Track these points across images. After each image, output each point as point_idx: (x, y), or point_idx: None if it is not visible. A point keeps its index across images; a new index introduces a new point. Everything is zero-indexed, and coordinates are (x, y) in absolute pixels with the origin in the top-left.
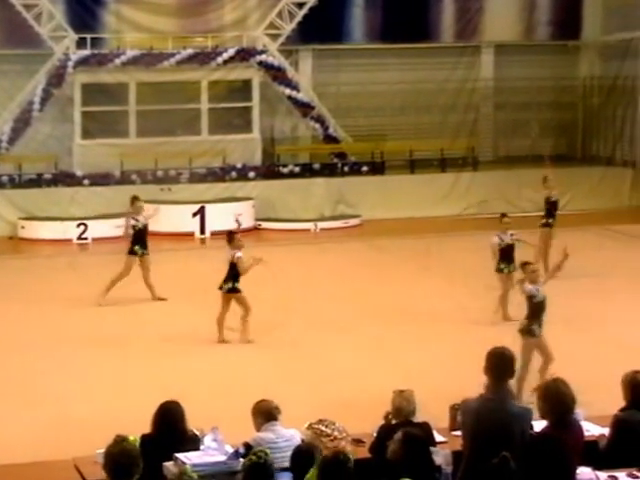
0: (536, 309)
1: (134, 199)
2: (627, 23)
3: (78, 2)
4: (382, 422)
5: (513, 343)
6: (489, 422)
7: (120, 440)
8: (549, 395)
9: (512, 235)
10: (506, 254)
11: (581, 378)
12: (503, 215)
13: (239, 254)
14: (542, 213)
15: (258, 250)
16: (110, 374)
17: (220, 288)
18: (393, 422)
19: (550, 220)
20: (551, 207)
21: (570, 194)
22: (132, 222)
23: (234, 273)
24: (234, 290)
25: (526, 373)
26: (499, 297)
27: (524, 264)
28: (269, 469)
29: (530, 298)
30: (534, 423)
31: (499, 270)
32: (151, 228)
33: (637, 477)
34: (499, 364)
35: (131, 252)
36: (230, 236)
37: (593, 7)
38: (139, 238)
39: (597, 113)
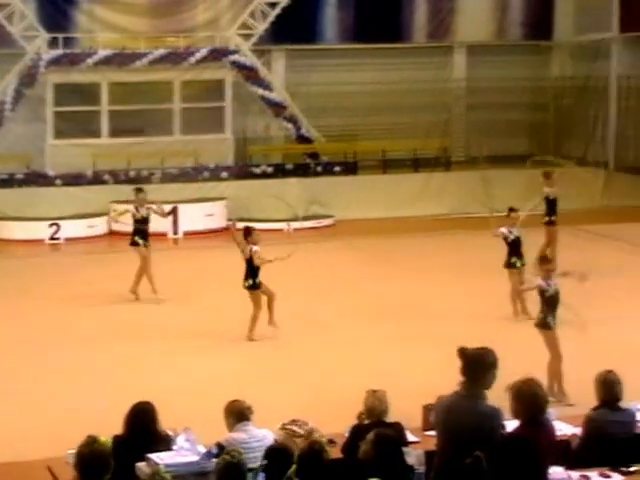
0: (549, 302)
1: (138, 190)
2: (598, 24)
3: (50, 2)
4: (355, 422)
5: (492, 342)
6: (458, 419)
7: (91, 440)
8: (522, 395)
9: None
10: (516, 248)
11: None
12: (511, 210)
13: (255, 248)
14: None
15: (231, 250)
16: (83, 374)
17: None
18: (366, 422)
19: (553, 218)
20: (551, 204)
21: (541, 195)
22: (133, 211)
23: (251, 269)
24: (254, 287)
25: (559, 365)
26: (511, 293)
27: (542, 259)
28: (242, 469)
29: (542, 292)
30: (506, 423)
31: (510, 265)
32: (123, 228)
33: (609, 476)
34: (474, 366)
35: (133, 243)
36: (247, 231)
37: (565, 8)
38: (138, 229)
39: (569, 113)
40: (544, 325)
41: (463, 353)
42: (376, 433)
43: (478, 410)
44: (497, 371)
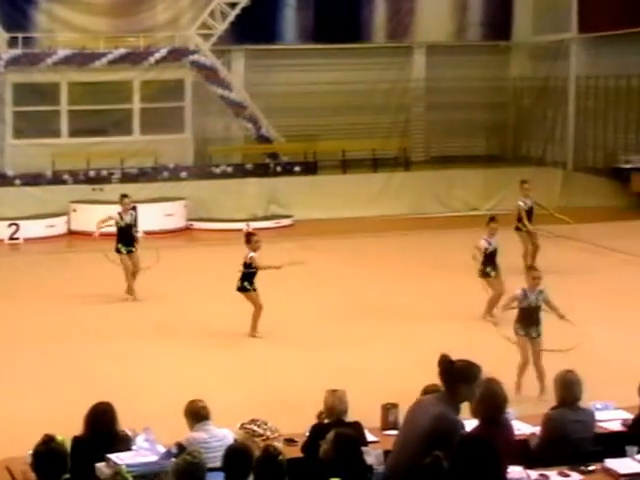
0: (522, 313)
1: (123, 196)
2: (557, 24)
3: (9, 1)
4: (315, 422)
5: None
6: (415, 419)
7: (47, 440)
8: (482, 395)
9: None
10: (491, 258)
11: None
12: (491, 219)
13: (252, 254)
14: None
15: (191, 250)
16: (41, 373)
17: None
18: (325, 422)
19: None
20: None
21: (501, 194)
22: (117, 218)
23: (245, 273)
24: (242, 289)
25: (524, 369)
26: (489, 300)
27: (530, 268)
28: (202, 469)
29: (519, 302)
30: (465, 422)
31: (485, 274)
32: (82, 228)
33: (568, 476)
34: (445, 375)
35: (117, 250)
36: (248, 237)
37: (524, 8)
38: (122, 236)
39: (528, 114)
40: (515, 331)
41: (441, 360)
42: (336, 433)
43: (437, 414)
44: (475, 387)
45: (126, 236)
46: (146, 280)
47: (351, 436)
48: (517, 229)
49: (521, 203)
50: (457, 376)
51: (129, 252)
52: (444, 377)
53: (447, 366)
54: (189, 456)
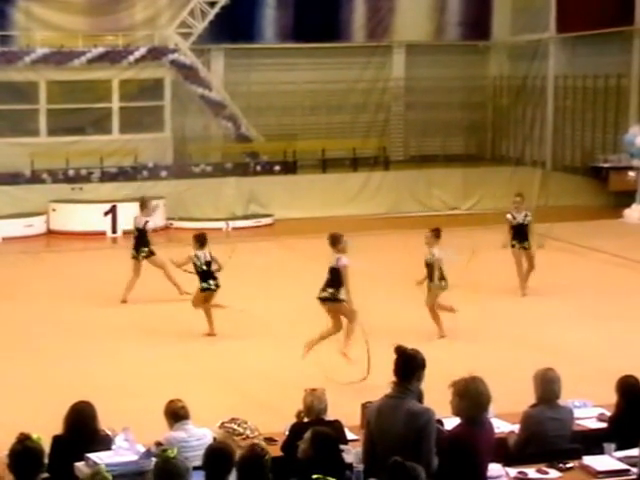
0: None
1: (145, 201)
2: (535, 24)
3: None
4: (294, 421)
5: (420, 341)
6: (388, 419)
7: (23, 438)
8: (468, 393)
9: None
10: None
11: (494, 374)
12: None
13: (191, 254)
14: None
15: (170, 249)
16: (18, 374)
17: None
18: (305, 420)
19: (515, 242)
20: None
21: (479, 194)
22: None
23: (200, 273)
24: (205, 289)
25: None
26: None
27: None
28: (179, 467)
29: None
30: (446, 420)
31: (512, 245)
32: (61, 227)
33: (546, 473)
34: (405, 365)
35: (133, 257)
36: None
37: (502, 8)
38: (138, 240)
39: (506, 113)
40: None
41: (400, 350)
42: (314, 431)
43: (407, 409)
44: (424, 373)
45: (140, 240)
46: (126, 281)
47: (329, 434)
48: (512, 246)
49: (509, 216)
50: (417, 363)
51: (148, 256)
52: (404, 367)
53: (406, 356)
54: (161, 456)
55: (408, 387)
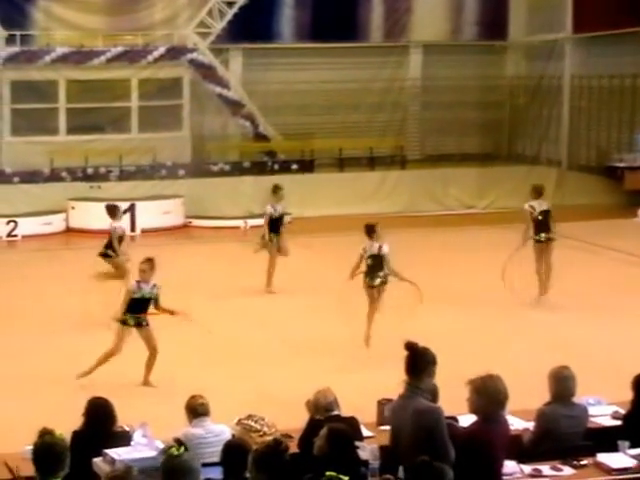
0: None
1: (276, 188)
2: (552, 24)
3: None
4: (305, 411)
5: (430, 336)
6: (399, 419)
7: (46, 434)
8: (486, 391)
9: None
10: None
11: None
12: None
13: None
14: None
15: (189, 247)
16: (40, 370)
17: None
18: (317, 417)
19: (541, 235)
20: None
21: (495, 193)
22: (270, 210)
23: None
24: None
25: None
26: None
27: None
28: (187, 465)
29: None
30: (462, 417)
31: (537, 240)
32: (80, 225)
33: (560, 470)
34: (415, 362)
35: (263, 237)
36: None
37: (518, 8)
38: (272, 225)
39: (523, 112)
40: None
41: (410, 346)
42: (329, 428)
43: (414, 409)
44: (435, 369)
45: (275, 225)
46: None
47: (344, 431)
48: (538, 241)
49: (527, 207)
50: (427, 359)
51: (272, 240)
52: (414, 363)
53: (416, 352)
54: (168, 455)
55: (418, 385)
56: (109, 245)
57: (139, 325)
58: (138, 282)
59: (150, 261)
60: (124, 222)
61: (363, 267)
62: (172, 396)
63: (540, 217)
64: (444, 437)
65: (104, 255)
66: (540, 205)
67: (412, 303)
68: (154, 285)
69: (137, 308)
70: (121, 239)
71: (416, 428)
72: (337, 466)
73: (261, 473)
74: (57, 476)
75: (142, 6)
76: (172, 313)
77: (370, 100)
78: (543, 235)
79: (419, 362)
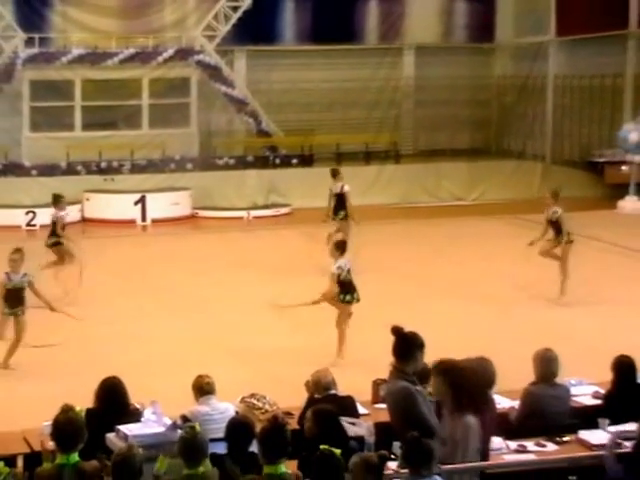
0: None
1: (335, 171)
2: (537, 27)
3: (27, 3)
4: (304, 391)
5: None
6: (387, 402)
7: (67, 409)
8: (475, 372)
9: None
10: (554, 227)
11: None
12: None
13: None
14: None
15: (196, 236)
16: (55, 352)
17: None
18: (316, 396)
19: (559, 238)
20: (555, 227)
21: (484, 185)
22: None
23: None
24: None
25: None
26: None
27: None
28: (199, 442)
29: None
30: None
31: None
32: (95, 215)
33: (544, 446)
34: (401, 346)
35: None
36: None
37: (506, 12)
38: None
39: (510, 110)
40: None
41: (397, 331)
42: (313, 410)
43: (389, 391)
44: (423, 352)
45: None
46: (155, 266)
47: (328, 410)
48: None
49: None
50: (413, 343)
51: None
52: (400, 347)
53: (403, 337)
54: (186, 431)
55: (403, 369)
56: (53, 233)
57: (15, 314)
58: (7, 273)
59: (19, 251)
60: (69, 211)
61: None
62: (180, 376)
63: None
64: (419, 413)
65: (56, 244)
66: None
67: None
68: (25, 274)
69: (12, 298)
70: (64, 227)
71: (393, 408)
72: (327, 443)
73: (264, 446)
74: (75, 450)
75: (153, 10)
76: (52, 309)
77: (366, 98)
78: (562, 237)
79: (405, 346)
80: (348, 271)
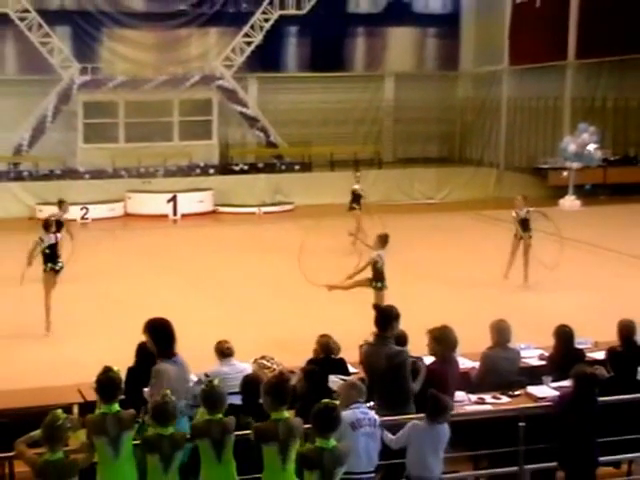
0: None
1: (356, 170)
2: (493, 58)
3: (81, 40)
4: (311, 357)
5: (403, 300)
6: (375, 361)
7: (107, 370)
8: (440, 337)
9: (528, 211)
10: (523, 224)
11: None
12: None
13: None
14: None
15: (217, 228)
16: (102, 324)
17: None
18: (320, 356)
19: (522, 233)
20: (523, 224)
21: (449, 187)
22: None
23: None
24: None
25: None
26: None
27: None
28: (218, 393)
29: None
30: (425, 358)
31: (519, 237)
32: (135, 211)
33: (499, 398)
34: (381, 318)
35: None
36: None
37: (467, 46)
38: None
39: (471, 126)
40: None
41: (377, 307)
42: (302, 370)
43: (386, 353)
44: (399, 322)
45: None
46: (183, 250)
47: (314, 370)
48: (519, 237)
49: (514, 214)
50: (391, 316)
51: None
52: (383, 319)
53: (382, 311)
54: (205, 386)
55: (385, 335)
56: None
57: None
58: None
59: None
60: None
61: None
62: (205, 341)
63: (521, 220)
64: (408, 374)
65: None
66: (522, 212)
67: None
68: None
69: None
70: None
71: (387, 368)
72: (317, 397)
73: (269, 396)
74: (115, 401)
75: (181, 45)
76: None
77: (355, 116)
78: (523, 234)
79: (385, 318)
80: (383, 262)
